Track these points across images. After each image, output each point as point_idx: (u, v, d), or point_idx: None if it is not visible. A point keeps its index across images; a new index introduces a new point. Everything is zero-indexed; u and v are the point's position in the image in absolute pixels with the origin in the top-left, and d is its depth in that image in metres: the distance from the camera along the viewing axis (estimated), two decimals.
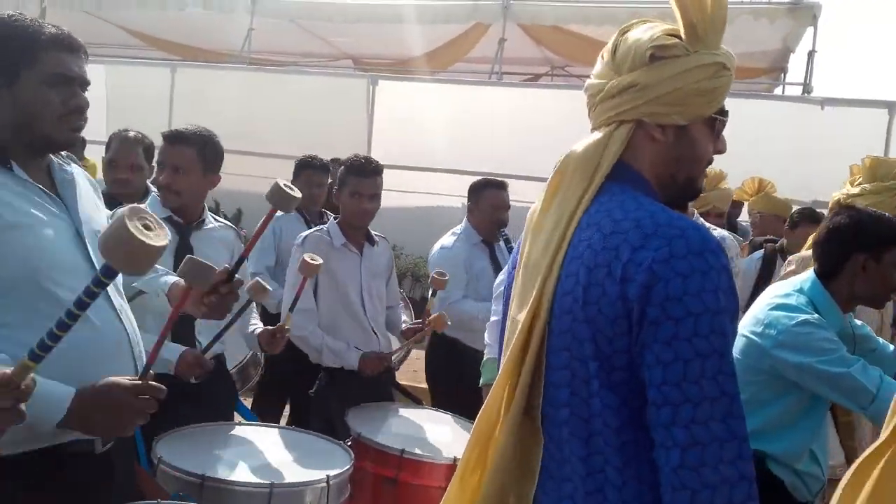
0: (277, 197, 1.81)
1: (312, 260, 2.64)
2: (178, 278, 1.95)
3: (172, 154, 2.65)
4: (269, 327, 2.72)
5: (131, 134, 3.29)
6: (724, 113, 1.33)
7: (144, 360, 1.79)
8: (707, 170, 1.39)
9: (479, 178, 3.98)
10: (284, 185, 1.82)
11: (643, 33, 1.28)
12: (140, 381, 1.56)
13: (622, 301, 1.15)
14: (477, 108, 8.40)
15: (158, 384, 1.59)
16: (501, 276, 3.46)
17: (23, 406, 1.26)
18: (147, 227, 1.23)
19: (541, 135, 7.61)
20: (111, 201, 2.34)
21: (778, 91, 9.22)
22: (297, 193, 1.83)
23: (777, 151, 6.58)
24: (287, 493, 2.08)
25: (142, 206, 1.28)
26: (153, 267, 1.23)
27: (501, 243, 3.95)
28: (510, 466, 1.28)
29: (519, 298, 1.33)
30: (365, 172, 3.14)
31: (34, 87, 1.61)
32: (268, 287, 2.39)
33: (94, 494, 1.68)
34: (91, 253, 1.70)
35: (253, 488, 2.04)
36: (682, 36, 1.26)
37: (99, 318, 1.65)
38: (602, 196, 1.27)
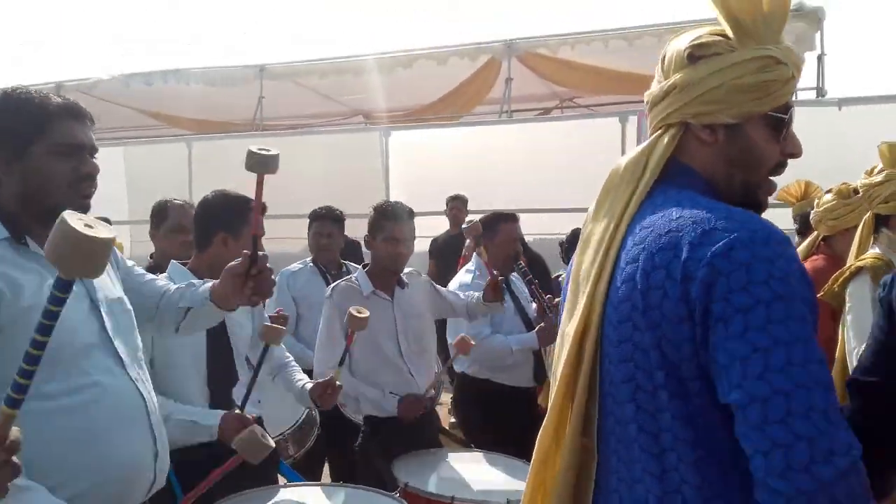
0: (253, 162, 1.72)
1: (359, 313, 2.62)
2: (213, 283, 1.92)
3: None
4: (320, 380, 2.69)
5: (181, 201, 3.45)
6: (784, 110, 1.23)
7: (162, 430, 1.78)
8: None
9: (490, 213, 3.95)
10: (258, 149, 1.74)
11: (689, 34, 1.25)
12: None
13: (684, 302, 1.07)
14: (491, 148, 8.45)
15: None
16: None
17: (16, 459, 1.18)
18: (88, 226, 1.13)
19: (555, 167, 7.62)
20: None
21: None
22: (274, 151, 1.74)
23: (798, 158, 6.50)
24: None
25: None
26: (105, 266, 1.15)
27: (514, 276, 3.90)
28: (570, 489, 1.23)
29: (568, 311, 1.27)
30: (400, 216, 3.15)
31: (44, 157, 1.61)
32: (281, 327, 2.35)
33: None
34: (105, 321, 1.69)
35: None
36: (729, 34, 1.21)
37: (116, 388, 1.64)
38: (656, 199, 1.22)
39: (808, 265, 3.33)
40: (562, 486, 1.23)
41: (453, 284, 3.86)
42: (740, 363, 1.01)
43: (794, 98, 1.29)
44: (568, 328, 1.24)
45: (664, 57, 1.28)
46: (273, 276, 1.88)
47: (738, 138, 1.23)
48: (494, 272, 3.29)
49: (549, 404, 1.27)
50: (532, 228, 6.40)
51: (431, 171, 8.28)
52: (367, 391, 3.04)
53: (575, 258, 1.32)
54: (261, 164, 1.71)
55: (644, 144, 1.29)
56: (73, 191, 1.65)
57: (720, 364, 1.04)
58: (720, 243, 1.06)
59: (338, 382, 2.67)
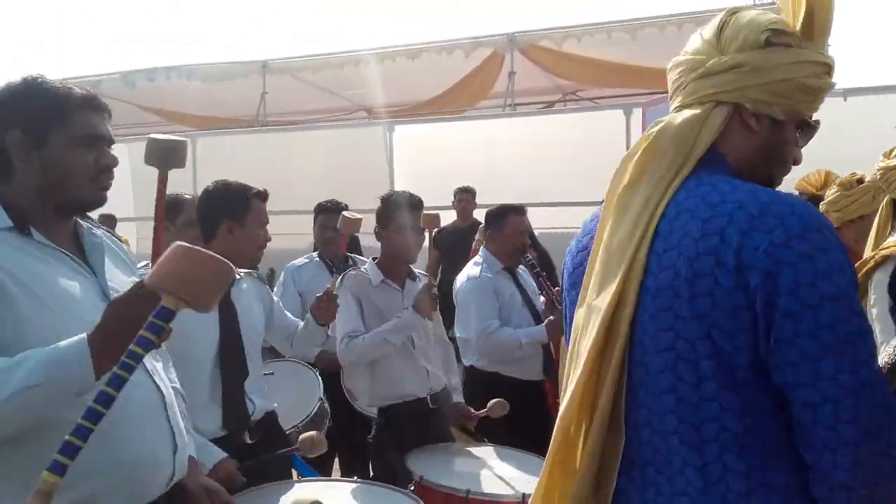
0: (151, 156, 1.67)
1: (352, 216, 2.77)
2: None
3: None
4: (318, 294, 2.79)
5: (191, 195, 3.43)
6: (816, 121, 1.26)
7: (180, 422, 1.77)
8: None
9: (497, 205, 3.94)
10: (158, 137, 1.70)
11: (759, 15, 1.23)
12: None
13: (743, 291, 1.06)
14: (495, 141, 8.43)
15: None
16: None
17: None
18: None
19: (560, 160, 7.60)
20: None
21: None
22: (177, 137, 1.71)
23: (806, 148, 6.49)
24: None
25: None
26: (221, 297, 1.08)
27: (521, 269, 3.89)
28: (593, 478, 1.21)
29: (599, 283, 1.22)
30: (411, 206, 3.15)
31: (64, 148, 1.60)
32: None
33: None
34: None
35: None
36: (796, 27, 1.21)
37: (129, 383, 1.62)
38: (689, 182, 1.20)
39: None
40: (588, 475, 1.21)
41: (461, 277, 3.86)
42: (812, 362, 1.03)
43: None
44: (597, 301, 1.21)
45: (722, 26, 1.24)
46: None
47: (778, 134, 1.23)
48: (432, 279, 3.26)
49: (571, 385, 1.22)
50: (538, 222, 6.38)
51: (436, 165, 8.26)
52: (383, 329, 3.02)
53: (603, 222, 1.27)
54: (161, 161, 1.68)
55: (694, 114, 1.24)
56: (95, 183, 1.65)
57: (788, 360, 1.05)
58: (775, 232, 1.06)
59: (335, 292, 2.77)
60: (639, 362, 1.18)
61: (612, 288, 1.18)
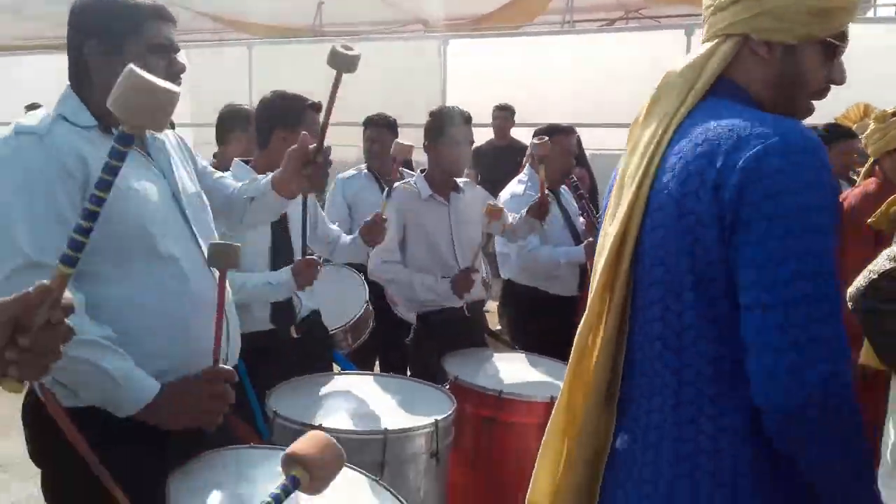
0: (338, 59, 1.83)
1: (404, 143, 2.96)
2: (275, 173, 2.06)
3: None
4: (367, 220, 2.93)
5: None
6: (842, 38, 1.25)
7: (234, 313, 1.91)
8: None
9: (546, 124, 3.94)
10: (342, 46, 1.85)
11: None
12: (216, 379, 1.70)
13: (717, 206, 1.11)
14: (551, 59, 8.27)
15: (228, 368, 1.73)
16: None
17: (70, 322, 1.08)
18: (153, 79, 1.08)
19: (618, 81, 7.45)
20: None
21: (870, 14, 8.73)
22: (356, 52, 1.85)
23: (874, 78, 6.25)
24: (400, 438, 2.14)
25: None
26: (167, 123, 1.12)
27: (563, 189, 3.91)
28: (608, 376, 1.30)
29: (611, 212, 1.31)
30: (458, 121, 3.22)
31: (140, 55, 1.69)
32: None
33: (194, 443, 1.76)
34: (187, 213, 1.81)
35: (368, 436, 2.10)
36: None
37: (192, 271, 1.76)
38: (697, 111, 1.24)
39: (859, 190, 3.36)
40: (600, 377, 1.30)
41: (504, 195, 3.90)
42: (755, 268, 1.07)
43: (874, 14, 1.29)
44: (610, 228, 1.29)
45: None
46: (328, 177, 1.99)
47: (793, 59, 1.24)
48: (546, 190, 3.32)
49: (588, 302, 1.32)
50: (590, 143, 6.33)
51: (490, 81, 8.18)
52: (422, 279, 3.17)
53: (622, 161, 1.35)
54: (343, 63, 1.84)
55: (702, 50, 1.29)
56: None
57: (740, 264, 1.10)
58: (754, 150, 1.09)
59: (384, 216, 2.93)
60: (641, 277, 1.25)
61: (620, 216, 1.25)
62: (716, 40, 1.28)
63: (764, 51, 1.24)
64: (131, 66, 1.05)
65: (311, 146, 1.96)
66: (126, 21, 1.70)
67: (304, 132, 1.98)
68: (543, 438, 1.40)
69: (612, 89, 7.49)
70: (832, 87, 1.30)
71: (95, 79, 1.72)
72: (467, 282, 3.15)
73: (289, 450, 1.06)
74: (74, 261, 1.00)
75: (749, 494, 1.15)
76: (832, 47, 1.25)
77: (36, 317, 0.94)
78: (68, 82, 1.77)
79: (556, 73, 8.08)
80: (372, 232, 2.90)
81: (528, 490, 1.41)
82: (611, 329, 1.28)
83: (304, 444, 1.06)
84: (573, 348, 1.36)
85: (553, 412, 1.40)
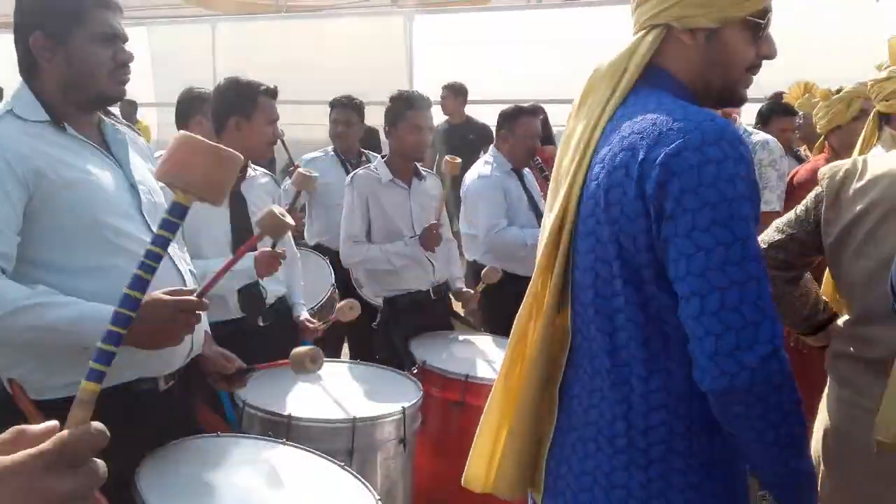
0: (269, 224, 1.89)
1: (309, 173, 2.94)
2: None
3: None
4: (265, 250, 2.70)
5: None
6: (762, 15, 1.29)
7: None
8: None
9: (510, 105, 3.96)
10: (279, 212, 1.89)
11: None
12: (180, 298, 1.63)
13: (641, 199, 1.16)
14: (517, 35, 8.26)
15: (203, 300, 1.67)
16: None
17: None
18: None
19: (583, 57, 7.47)
20: None
21: None
22: (290, 221, 1.90)
23: (828, 48, 6.34)
24: (368, 426, 2.18)
25: None
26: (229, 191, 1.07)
27: (527, 171, 3.94)
28: (544, 361, 1.35)
29: (549, 205, 1.38)
30: (421, 105, 3.23)
31: (85, 45, 1.69)
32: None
33: (159, 430, 1.78)
34: (143, 209, 1.80)
35: (337, 424, 2.14)
36: None
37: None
38: (629, 101, 1.28)
39: (810, 165, 3.44)
40: (538, 357, 1.36)
41: (471, 175, 3.91)
42: (686, 260, 1.13)
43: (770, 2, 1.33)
44: (547, 221, 1.35)
45: None
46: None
47: (717, 41, 1.28)
48: (434, 222, 3.28)
49: (528, 289, 1.38)
50: (557, 119, 6.34)
51: (456, 58, 8.16)
52: (392, 247, 3.20)
53: (557, 157, 1.40)
54: (273, 228, 1.91)
55: (626, 45, 1.33)
56: (114, 78, 1.75)
57: (669, 257, 1.15)
58: (672, 145, 1.14)
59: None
60: (575, 264, 1.31)
61: (556, 209, 1.31)
62: (641, 32, 1.32)
63: (687, 37, 1.28)
64: (184, 132, 0.97)
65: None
66: (69, 11, 1.69)
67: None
68: (480, 421, 1.45)
69: (580, 66, 7.51)
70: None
71: (43, 71, 1.72)
72: (434, 235, 3.20)
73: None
74: (102, 377, 0.85)
75: (681, 452, 1.23)
76: (755, 25, 1.29)
77: None
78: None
79: (521, 49, 8.08)
80: (264, 265, 2.62)
81: (464, 471, 1.46)
82: (548, 314, 1.34)
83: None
84: (511, 332, 1.41)
85: (490, 395, 1.44)
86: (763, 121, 4.33)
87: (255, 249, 1.98)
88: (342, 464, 1.88)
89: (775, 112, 4.27)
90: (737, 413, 1.15)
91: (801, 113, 4.06)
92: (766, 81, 2.48)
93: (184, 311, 1.66)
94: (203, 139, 0.97)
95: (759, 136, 3.86)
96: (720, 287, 1.11)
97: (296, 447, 1.93)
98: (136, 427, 1.67)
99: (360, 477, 1.82)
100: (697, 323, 1.13)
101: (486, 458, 1.43)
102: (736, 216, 1.12)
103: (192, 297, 1.67)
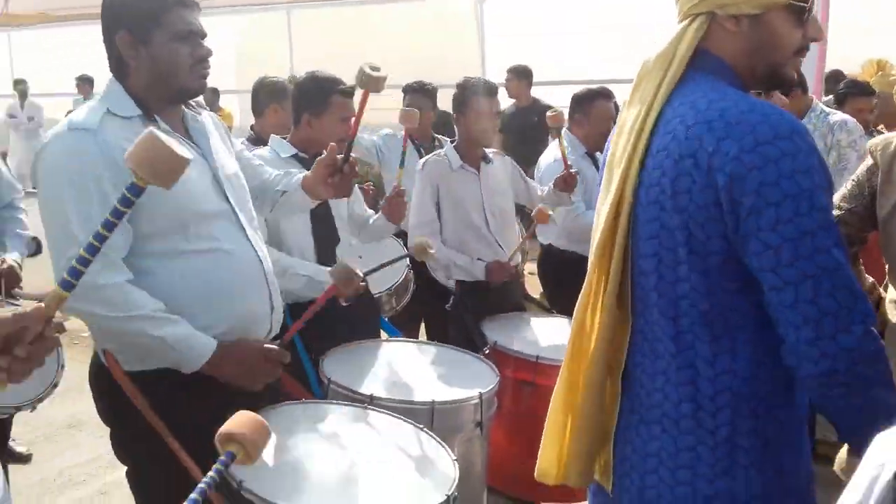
0: (364, 79, 1.94)
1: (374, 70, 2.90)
2: (305, 173, 2.19)
3: None
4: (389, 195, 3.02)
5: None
6: None
7: (276, 285, 2.03)
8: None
9: (585, 88, 3.94)
10: (369, 66, 1.94)
11: None
12: (272, 347, 1.89)
13: (712, 189, 1.20)
14: (593, 13, 8.13)
15: (286, 351, 1.91)
16: None
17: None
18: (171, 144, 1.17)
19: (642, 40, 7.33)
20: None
21: None
22: (383, 74, 1.94)
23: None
24: (446, 409, 2.25)
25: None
26: (178, 179, 1.16)
27: (598, 154, 3.92)
28: (605, 348, 1.38)
29: (603, 192, 1.41)
30: (488, 91, 3.28)
31: (166, 44, 1.80)
32: (431, 247, 2.73)
33: (250, 404, 1.92)
34: (228, 195, 1.92)
35: (417, 405, 2.21)
36: None
37: (235, 248, 1.89)
38: (685, 87, 1.31)
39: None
40: (599, 346, 1.39)
41: (546, 158, 3.93)
42: (773, 252, 1.17)
43: None
44: (602, 206, 1.38)
45: None
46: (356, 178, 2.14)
47: (761, 27, 1.30)
48: (570, 165, 3.35)
49: (586, 279, 1.42)
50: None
51: (532, 41, 8.10)
52: (457, 258, 3.27)
53: (610, 144, 1.44)
54: (369, 83, 1.94)
55: (673, 35, 1.35)
56: (194, 73, 1.86)
57: (753, 250, 1.19)
58: (745, 138, 1.18)
59: (402, 187, 3.00)
60: (635, 248, 1.34)
61: (612, 194, 1.34)
62: (686, 21, 1.34)
63: (731, 24, 1.31)
64: (152, 129, 1.13)
65: (338, 156, 2.06)
66: (148, 11, 1.79)
67: (332, 144, 2.08)
68: (547, 415, 1.50)
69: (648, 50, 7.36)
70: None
71: (131, 68, 1.83)
72: (501, 272, 3.24)
73: (223, 430, 1.19)
74: (71, 287, 1.08)
75: (746, 432, 1.28)
76: (799, 9, 1.30)
77: (31, 331, 1.05)
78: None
79: (600, 31, 7.96)
80: (392, 206, 2.96)
81: (537, 461, 1.51)
82: (609, 302, 1.37)
83: (234, 424, 1.19)
84: (572, 325, 1.46)
85: (555, 389, 1.49)
86: (839, 101, 4.21)
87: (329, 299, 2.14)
88: (421, 426, 2.00)
89: (851, 92, 4.13)
90: (840, 393, 1.19)
91: (877, 91, 3.94)
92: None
93: (269, 360, 1.88)
94: (158, 138, 1.11)
95: (838, 115, 3.76)
96: (811, 275, 1.16)
97: (381, 412, 2.08)
98: (222, 397, 1.78)
99: (438, 439, 1.95)
100: (794, 311, 1.18)
101: (555, 452, 1.48)
102: (816, 206, 1.17)
103: (278, 348, 1.90)
